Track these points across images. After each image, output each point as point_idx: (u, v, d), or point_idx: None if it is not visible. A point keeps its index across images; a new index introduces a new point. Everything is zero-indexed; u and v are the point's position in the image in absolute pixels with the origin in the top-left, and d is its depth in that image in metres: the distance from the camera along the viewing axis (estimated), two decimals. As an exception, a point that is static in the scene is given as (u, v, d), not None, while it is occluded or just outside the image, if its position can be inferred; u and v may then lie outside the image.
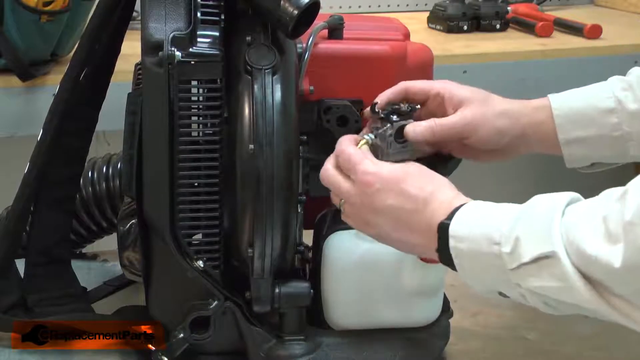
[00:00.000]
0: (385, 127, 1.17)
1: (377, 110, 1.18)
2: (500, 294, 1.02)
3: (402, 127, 1.17)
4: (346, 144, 1.14)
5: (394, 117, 1.17)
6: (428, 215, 1.05)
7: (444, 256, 1.04)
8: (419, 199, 1.06)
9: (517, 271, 0.97)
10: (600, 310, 0.93)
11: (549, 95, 1.23)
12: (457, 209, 1.03)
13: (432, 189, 1.07)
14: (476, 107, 1.19)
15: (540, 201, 0.99)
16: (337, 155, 1.14)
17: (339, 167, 1.14)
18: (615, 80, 1.22)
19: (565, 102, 1.22)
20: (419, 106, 1.20)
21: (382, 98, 1.20)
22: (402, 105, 1.19)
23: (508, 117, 1.20)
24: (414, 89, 1.22)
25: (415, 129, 1.17)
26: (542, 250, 0.94)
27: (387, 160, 1.14)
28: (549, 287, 0.95)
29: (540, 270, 0.95)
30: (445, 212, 1.04)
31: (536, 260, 0.95)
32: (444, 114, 1.20)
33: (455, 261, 1.02)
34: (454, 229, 1.02)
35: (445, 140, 1.20)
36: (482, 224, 1.00)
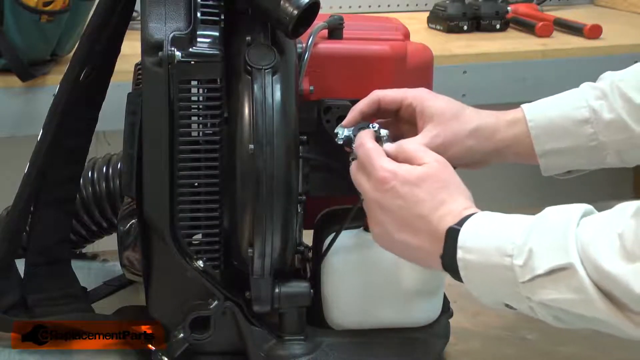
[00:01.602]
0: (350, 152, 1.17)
1: (337, 136, 1.17)
2: (507, 305, 1.02)
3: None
4: (366, 138, 1.14)
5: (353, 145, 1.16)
6: (435, 222, 1.05)
7: (448, 263, 1.03)
8: (429, 205, 1.06)
9: (530, 284, 0.96)
10: (618, 324, 0.93)
11: (522, 106, 1.22)
12: (466, 217, 1.03)
13: (445, 197, 1.06)
14: (446, 126, 1.18)
15: (554, 213, 0.98)
16: (357, 147, 1.13)
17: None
18: (587, 88, 1.21)
19: (540, 113, 1.21)
20: (385, 132, 1.17)
21: (355, 110, 1.20)
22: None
23: (480, 135, 1.19)
24: (387, 99, 1.21)
25: None
26: (559, 262, 0.94)
27: None
28: (564, 299, 0.94)
29: (556, 282, 0.94)
30: (454, 220, 1.03)
31: (551, 272, 0.94)
32: (414, 125, 1.20)
33: (462, 272, 1.02)
34: (463, 239, 1.01)
35: None
36: (493, 235, 1.00)
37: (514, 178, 2.73)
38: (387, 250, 1.12)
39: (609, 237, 0.91)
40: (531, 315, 0.99)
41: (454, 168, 1.21)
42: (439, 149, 1.17)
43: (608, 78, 1.20)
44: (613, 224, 0.92)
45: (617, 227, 0.91)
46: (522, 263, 0.96)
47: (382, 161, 1.10)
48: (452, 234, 1.03)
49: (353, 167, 1.14)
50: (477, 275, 1.01)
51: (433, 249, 1.05)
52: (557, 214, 0.98)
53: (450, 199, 1.06)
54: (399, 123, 1.22)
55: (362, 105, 1.20)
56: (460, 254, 1.01)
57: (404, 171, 1.09)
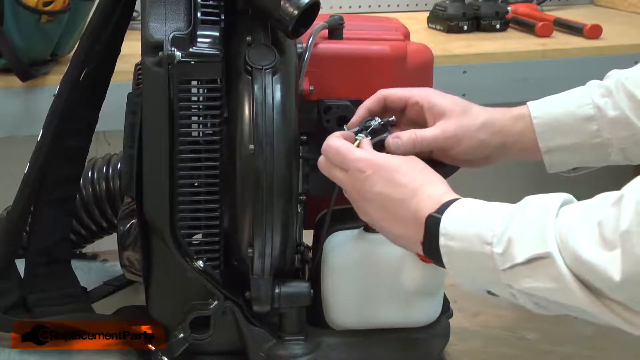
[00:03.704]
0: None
1: (346, 129, 1.18)
2: (489, 292, 1.02)
3: (377, 143, 1.17)
4: (332, 139, 1.15)
5: (365, 134, 1.17)
6: (413, 207, 1.05)
7: (429, 249, 1.04)
8: (407, 189, 1.07)
9: (509, 272, 0.97)
10: (596, 313, 0.93)
11: (528, 103, 1.23)
12: (447, 204, 1.03)
13: (423, 182, 1.07)
14: (457, 120, 1.19)
15: (533, 202, 0.99)
16: (324, 151, 1.14)
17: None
18: (593, 86, 1.22)
19: (545, 110, 1.21)
20: (393, 118, 1.19)
21: (362, 108, 1.20)
22: (373, 122, 1.18)
23: (489, 129, 1.20)
24: (393, 97, 1.21)
25: (397, 142, 1.17)
26: (537, 251, 0.94)
27: None
28: (542, 288, 0.95)
29: (534, 271, 0.95)
30: (433, 206, 1.04)
31: (530, 261, 0.95)
32: (423, 122, 1.20)
33: (445, 259, 1.02)
34: (444, 226, 1.02)
35: (425, 151, 1.19)
36: (474, 222, 1.00)
37: (517, 178, 2.73)
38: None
39: (588, 226, 0.92)
40: (513, 301, 1.00)
41: (458, 167, 1.22)
42: (450, 140, 1.18)
43: (614, 76, 1.21)
44: (593, 213, 0.92)
45: (597, 216, 0.91)
46: (502, 251, 0.97)
47: (356, 153, 1.12)
48: (432, 221, 1.03)
49: (323, 164, 1.15)
50: (459, 262, 1.02)
51: (414, 236, 1.05)
52: (537, 202, 0.98)
53: (429, 183, 1.07)
54: (405, 123, 1.22)
55: (368, 103, 1.21)
56: (442, 240, 1.02)
57: (381, 160, 1.10)
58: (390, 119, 1.19)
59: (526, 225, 0.96)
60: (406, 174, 1.08)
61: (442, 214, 1.03)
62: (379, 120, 1.18)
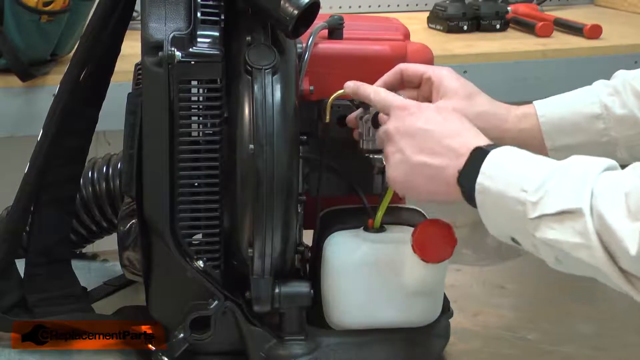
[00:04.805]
0: (366, 114, 1.20)
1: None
2: (513, 240, 1.02)
3: (378, 114, 1.18)
4: (378, 88, 1.18)
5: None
6: (458, 141, 1.06)
7: (465, 181, 1.04)
8: (451, 127, 1.09)
9: (537, 220, 0.97)
10: (613, 277, 0.94)
11: (534, 102, 1.23)
12: (496, 144, 1.04)
13: (467, 125, 1.09)
14: (456, 102, 1.20)
15: (578, 161, 0.99)
16: (374, 99, 1.17)
17: None
18: (600, 85, 1.22)
19: (551, 109, 1.22)
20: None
21: (380, 81, 1.23)
22: None
23: (487, 120, 1.20)
24: (409, 71, 1.23)
25: None
26: (569, 205, 0.95)
27: (366, 147, 1.18)
28: (566, 241, 0.95)
29: (561, 224, 0.95)
30: (482, 141, 1.05)
31: (560, 213, 0.95)
32: (432, 100, 1.21)
33: (478, 197, 1.03)
34: (487, 165, 1.03)
35: None
36: (516, 168, 1.01)
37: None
38: (402, 181, 1.12)
39: (617, 193, 0.93)
40: (534, 253, 1.00)
41: None
42: None
43: (620, 76, 1.22)
44: (623, 182, 0.94)
45: (626, 186, 0.93)
46: (535, 200, 0.97)
47: (401, 97, 1.15)
48: (479, 154, 1.04)
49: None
50: (491, 203, 1.02)
51: (451, 166, 1.06)
52: (581, 163, 0.99)
53: (471, 129, 1.09)
54: (420, 100, 1.22)
55: (386, 76, 1.23)
56: (480, 178, 1.02)
57: (426, 103, 1.14)
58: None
59: (565, 182, 0.97)
60: (450, 116, 1.10)
61: (490, 150, 1.03)
62: None
